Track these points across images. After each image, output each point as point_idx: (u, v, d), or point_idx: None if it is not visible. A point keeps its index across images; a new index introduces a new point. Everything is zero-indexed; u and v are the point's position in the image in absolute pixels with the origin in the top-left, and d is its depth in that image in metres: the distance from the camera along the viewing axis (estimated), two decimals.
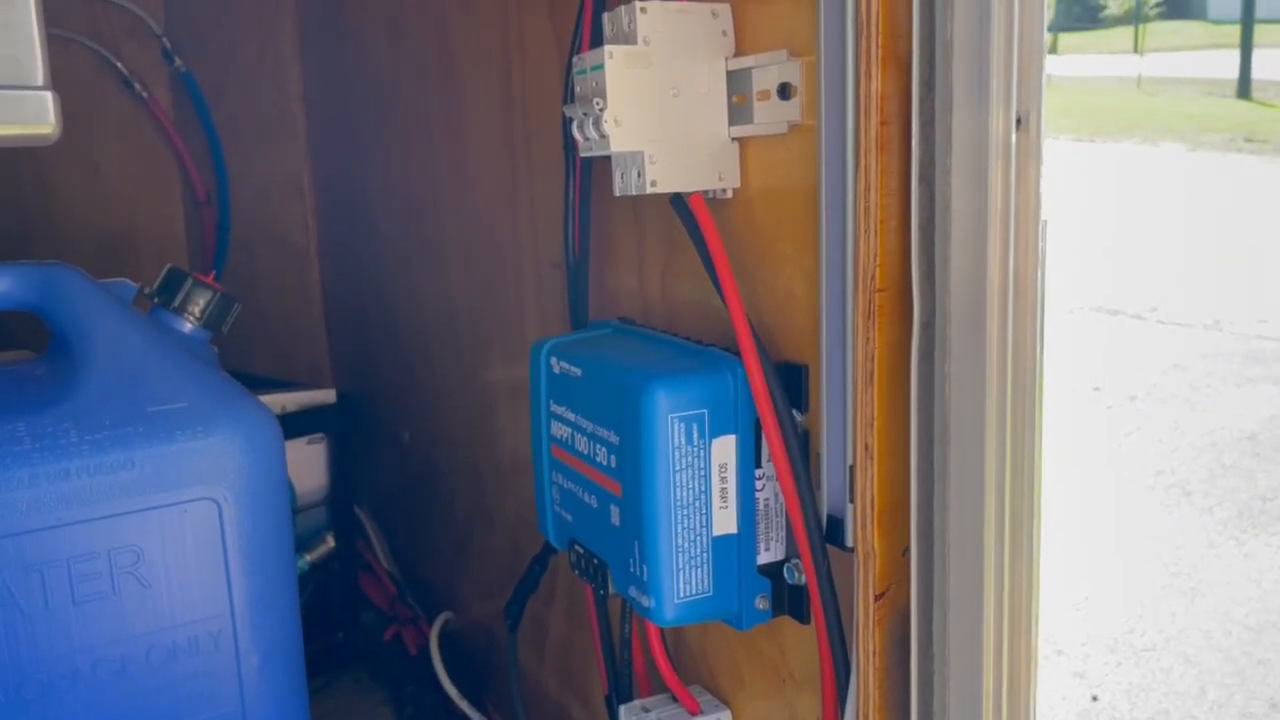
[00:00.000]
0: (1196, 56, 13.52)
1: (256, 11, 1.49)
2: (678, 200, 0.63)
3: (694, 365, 0.60)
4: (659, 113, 0.60)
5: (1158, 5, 22.77)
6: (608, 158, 0.63)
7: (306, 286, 1.55)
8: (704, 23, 0.61)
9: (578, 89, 0.62)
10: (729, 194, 0.64)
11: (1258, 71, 9.96)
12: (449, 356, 1.15)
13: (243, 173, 1.57)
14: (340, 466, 1.27)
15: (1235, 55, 10.14)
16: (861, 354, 0.48)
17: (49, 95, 0.42)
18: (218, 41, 1.55)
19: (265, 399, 1.20)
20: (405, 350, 1.27)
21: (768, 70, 0.59)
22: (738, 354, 0.59)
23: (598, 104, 0.59)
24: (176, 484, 0.72)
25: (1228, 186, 6.34)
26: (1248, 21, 10.04)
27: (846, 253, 0.52)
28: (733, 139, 0.63)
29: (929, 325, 0.46)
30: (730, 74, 0.62)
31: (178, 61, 1.53)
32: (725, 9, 0.61)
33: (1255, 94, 9.70)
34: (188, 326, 0.82)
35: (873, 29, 0.45)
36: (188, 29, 1.58)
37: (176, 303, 0.81)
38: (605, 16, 0.62)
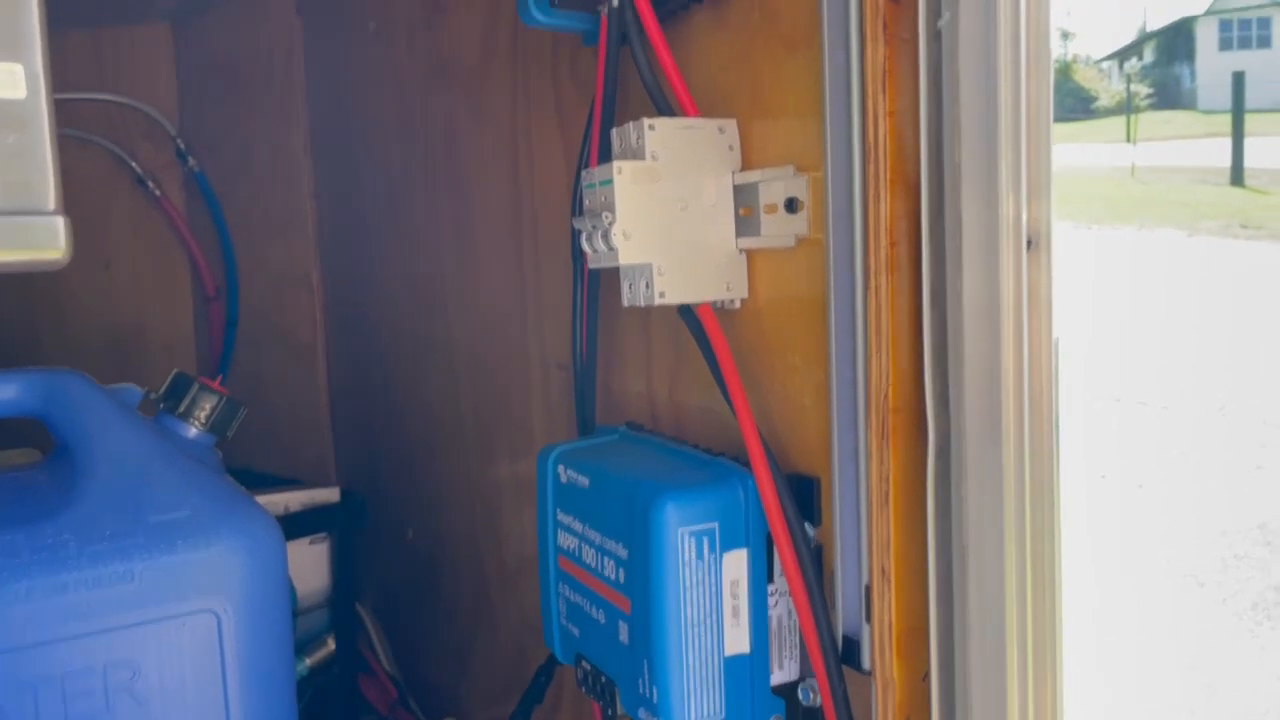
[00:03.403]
0: (1189, 145, 13.76)
1: (270, 112, 1.52)
2: (686, 310, 0.63)
3: (704, 477, 0.60)
4: (667, 226, 0.61)
5: (1149, 96, 23.27)
6: (616, 268, 0.63)
7: (313, 382, 1.55)
8: (711, 138, 0.62)
9: (587, 202, 0.63)
10: (737, 304, 0.64)
11: (1250, 159, 10.11)
12: (454, 454, 1.14)
13: (252, 269, 1.59)
14: (343, 566, 1.25)
15: (1227, 143, 10.31)
16: (876, 475, 0.48)
17: (60, 220, 0.42)
18: (231, 141, 1.58)
19: (269, 498, 1.20)
20: (411, 447, 1.26)
21: (774, 184, 0.59)
22: (748, 465, 0.59)
23: (607, 218, 0.60)
24: (176, 596, 0.70)
25: (1229, 271, 6.39)
26: (1238, 110, 10.23)
27: (857, 368, 0.51)
28: (740, 250, 0.63)
29: (944, 449, 0.45)
30: (737, 187, 0.62)
31: (191, 162, 1.56)
32: (732, 125, 0.62)
33: (1248, 181, 9.83)
34: (193, 432, 0.81)
35: (880, 152, 0.46)
36: (202, 129, 1.61)
37: (182, 408, 0.81)
38: (614, 131, 0.63)
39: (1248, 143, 10.21)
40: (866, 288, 0.47)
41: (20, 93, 0.39)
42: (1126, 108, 19.08)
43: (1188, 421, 3.86)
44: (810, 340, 0.59)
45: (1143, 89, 23.97)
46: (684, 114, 0.63)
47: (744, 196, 0.62)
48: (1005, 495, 0.45)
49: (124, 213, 1.63)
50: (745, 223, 0.62)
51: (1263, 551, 2.82)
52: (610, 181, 0.59)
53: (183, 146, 1.57)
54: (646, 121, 0.60)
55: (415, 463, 1.25)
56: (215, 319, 1.62)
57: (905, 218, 0.47)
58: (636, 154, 0.61)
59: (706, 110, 0.64)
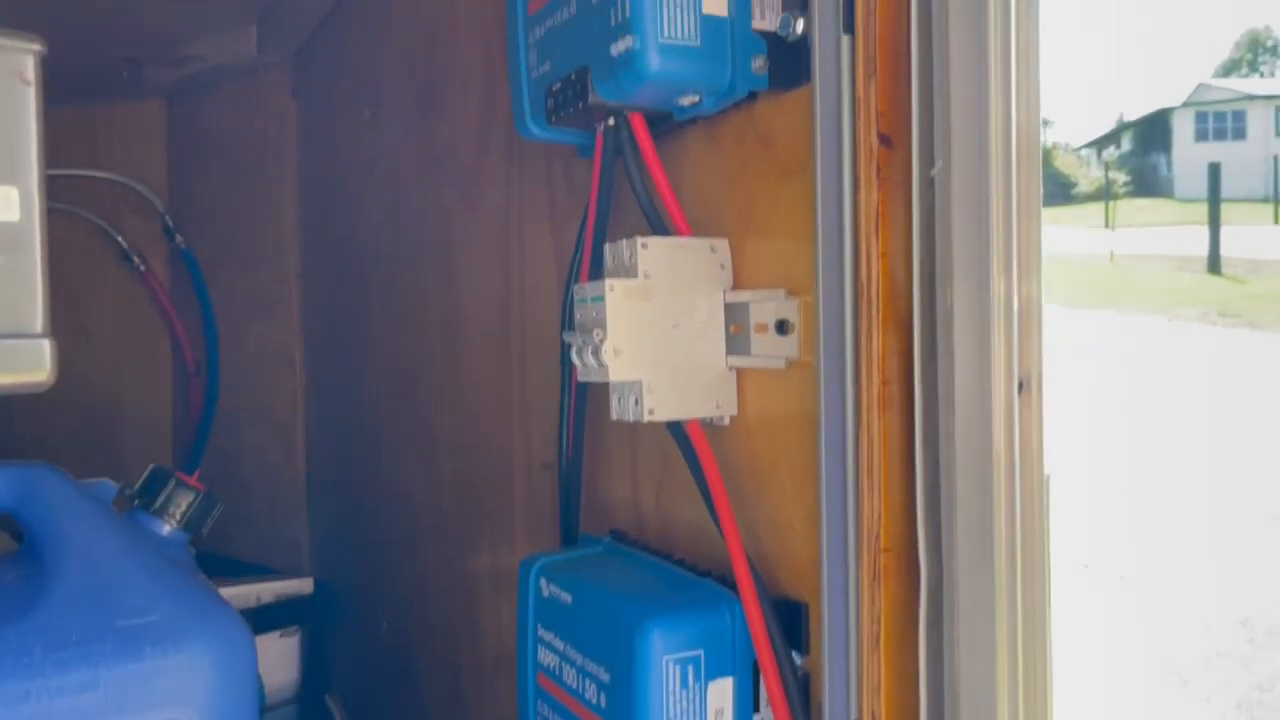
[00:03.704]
0: (1166, 233, 14.01)
1: (260, 191, 1.53)
2: (675, 427, 0.62)
3: (690, 599, 0.58)
4: (658, 343, 0.60)
5: (1127, 183, 23.76)
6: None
7: (291, 462, 1.53)
8: (703, 257, 0.62)
9: (578, 316, 0.62)
10: (726, 421, 0.64)
11: (1226, 248, 10.30)
12: (433, 546, 1.12)
13: (235, 346, 1.58)
14: (313, 659, 1.22)
15: (1204, 232, 10.50)
16: (867, 616, 0.47)
17: (46, 343, 0.41)
18: (220, 218, 1.58)
19: (240, 590, 1.17)
20: (388, 536, 1.24)
21: (765, 305, 0.59)
22: (734, 586, 0.58)
23: (598, 334, 0.59)
24: (143, 705, 0.68)
25: (1208, 358, 6.46)
26: (1214, 200, 10.44)
27: (847, 501, 0.51)
28: (730, 368, 0.63)
29: (936, 591, 0.45)
30: (729, 305, 0.62)
31: (179, 238, 1.56)
32: (723, 244, 0.62)
33: (1225, 269, 10.00)
34: (166, 529, 0.79)
35: (873, 291, 0.46)
36: (191, 205, 1.61)
37: (157, 504, 0.79)
38: (607, 247, 0.63)
39: (1224, 231, 10.40)
40: (858, 426, 0.47)
41: (14, 215, 0.39)
42: (1105, 194, 19.46)
43: (1167, 510, 3.86)
44: (799, 462, 0.58)
45: (1121, 176, 24.50)
46: (677, 232, 0.63)
47: (735, 314, 0.62)
48: (998, 638, 0.44)
49: (108, 286, 1.63)
50: (735, 340, 0.62)
51: (1246, 649, 2.80)
52: (602, 298, 0.59)
53: (170, 223, 1.57)
54: (640, 240, 0.60)
55: (392, 552, 1.23)
56: (195, 395, 1.60)
57: (897, 355, 0.47)
58: (629, 271, 0.60)
59: (698, 225, 0.64)
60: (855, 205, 0.47)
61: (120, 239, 1.58)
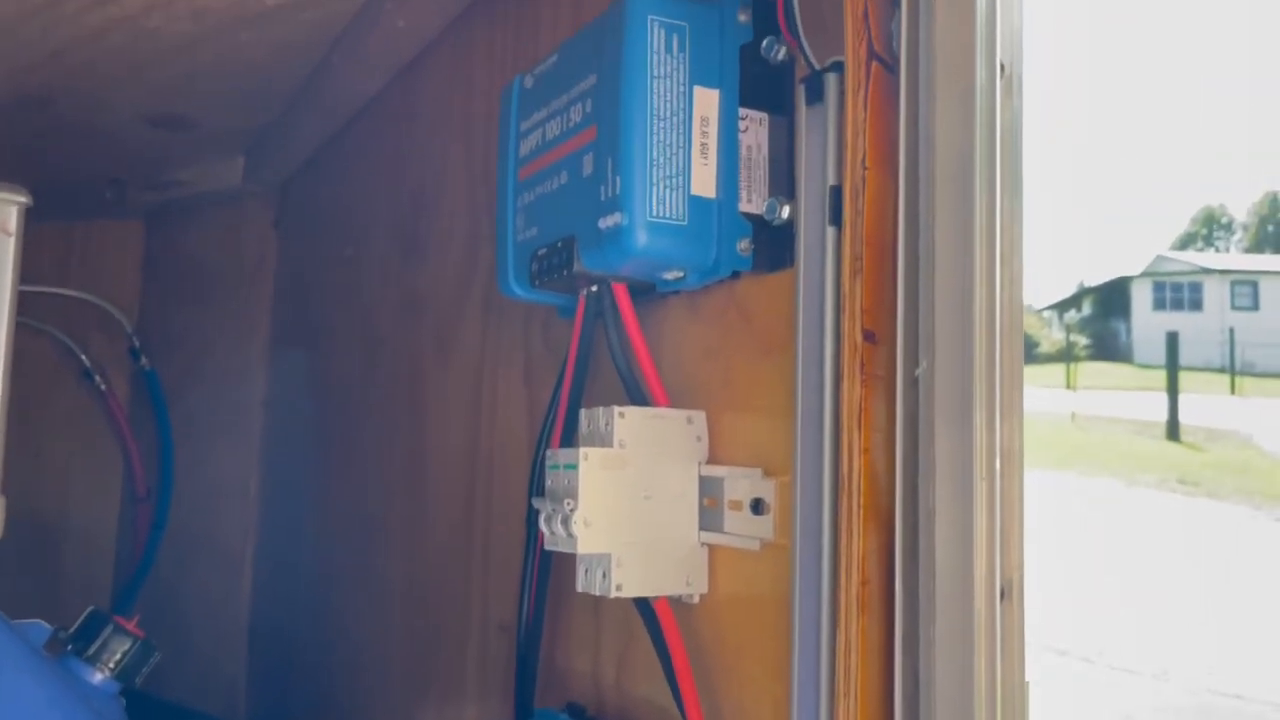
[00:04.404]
0: (1126, 397, 14.28)
1: (232, 317, 1.52)
2: (643, 603, 0.60)
3: None
4: (630, 516, 0.59)
5: (1087, 346, 24.36)
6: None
7: (235, 597, 1.47)
8: (679, 428, 0.61)
9: (549, 482, 0.61)
10: (696, 599, 0.62)
11: (1185, 415, 10.48)
12: (377, 700, 1.07)
13: (189, 472, 1.54)
14: None
15: (1163, 398, 10.71)
16: None
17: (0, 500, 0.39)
18: (188, 341, 1.57)
19: None
20: (330, 685, 1.18)
21: (740, 482, 0.58)
22: None
23: (568, 504, 0.58)
24: None
25: (1167, 527, 6.48)
26: (1172, 368, 10.69)
27: (820, 697, 0.49)
28: (702, 544, 0.61)
29: None
30: (703, 479, 0.61)
31: (143, 360, 1.54)
32: (701, 416, 0.62)
33: (1184, 437, 10.16)
34: (99, 678, 0.75)
35: (854, 486, 0.45)
36: (160, 326, 1.60)
37: (91, 650, 0.75)
38: (583, 413, 0.62)
39: (1182, 399, 10.61)
40: (835, 626, 0.45)
41: None
42: (1067, 356, 19.91)
43: (1131, 684, 3.81)
44: (770, 649, 0.56)
45: (1082, 339, 25.13)
46: (654, 401, 0.62)
47: (709, 488, 0.61)
48: None
49: (65, 403, 1.60)
50: (709, 515, 0.61)
51: None
52: (575, 466, 0.58)
53: (137, 343, 1.55)
54: (617, 409, 0.59)
55: (334, 703, 1.17)
56: (142, 520, 1.56)
57: (877, 553, 0.45)
58: (604, 439, 0.59)
59: (675, 394, 0.64)
60: (837, 398, 0.46)
61: (84, 357, 1.56)
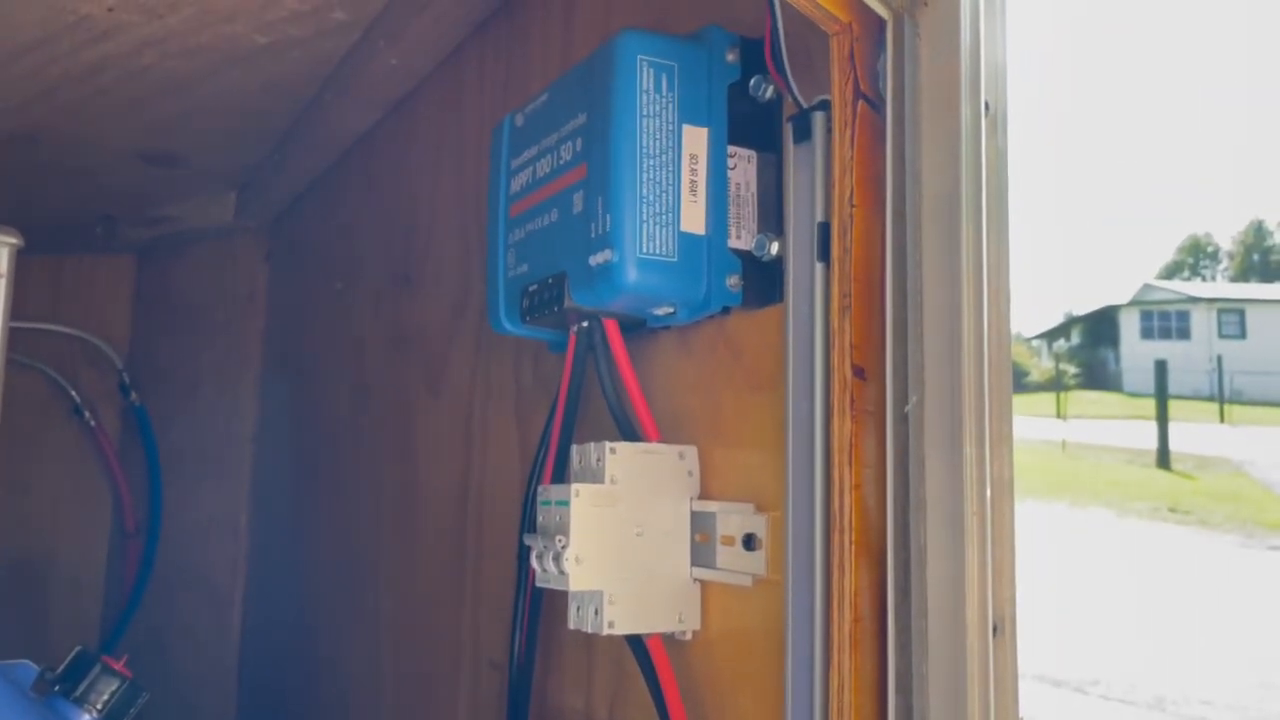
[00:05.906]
0: (1116, 425, 14.31)
1: (223, 351, 1.51)
2: (635, 640, 0.60)
3: None
4: (622, 552, 0.59)
5: (1076, 375, 24.42)
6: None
7: (225, 634, 1.46)
8: (671, 464, 0.61)
9: (540, 518, 0.61)
10: (688, 635, 0.61)
11: (1175, 443, 10.49)
12: None
13: (179, 508, 1.53)
14: None
15: (1152, 426, 10.72)
16: None
17: None
18: (179, 376, 1.56)
19: None
20: None
21: (732, 518, 0.58)
22: None
23: (560, 540, 0.58)
24: None
25: (1160, 557, 6.47)
26: (1161, 397, 10.71)
27: None
28: (694, 580, 0.61)
29: None
30: (695, 514, 0.61)
31: (134, 395, 1.53)
32: (692, 451, 0.62)
33: (1174, 465, 10.17)
34: (86, 719, 0.74)
35: (845, 522, 0.45)
36: (151, 361, 1.59)
37: (79, 691, 0.74)
38: (574, 449, 0.62)
39: (1172, 427, 10.62)
40: (828, 663, 0.45)
41: None
42: (1057, 384, 19.96)
43: (1126, 714, 3.78)
44: (763, 685, 0.55)
45: (1071, 368, 25.20)
46: (645, 437, 0.62)
47: (701, 523, 0.61)
48: None
49: (54, 439, 1.59)
50: (701, 550, 0.60)
51: None
52: (567, 503, 0.58)
53: (127, 379, 1.55)
54: (608, 445, 0.59)
55: None
56: (131, 556, 1.54)
57: (870, 589, 0.45)
58: (596, 475, 0.59)
59: (666, 429, 0.64)
60: (828, 433, 0.46)
61: (74, 393, 1.55)
